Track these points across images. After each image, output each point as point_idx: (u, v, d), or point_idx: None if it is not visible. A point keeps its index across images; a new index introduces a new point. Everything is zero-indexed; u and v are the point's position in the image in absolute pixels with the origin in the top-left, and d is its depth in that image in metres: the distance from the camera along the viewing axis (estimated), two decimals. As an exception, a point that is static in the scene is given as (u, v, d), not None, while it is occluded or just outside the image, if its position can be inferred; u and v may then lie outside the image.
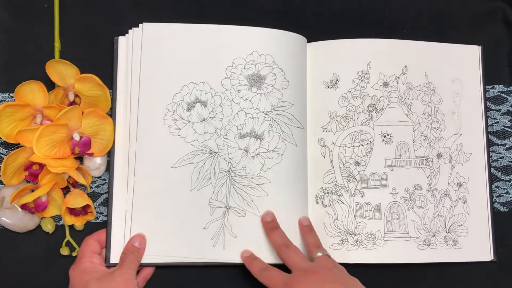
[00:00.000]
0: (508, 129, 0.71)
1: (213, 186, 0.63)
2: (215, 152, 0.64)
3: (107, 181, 0.66)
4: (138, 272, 0.61)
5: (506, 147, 0.71)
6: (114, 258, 0.61)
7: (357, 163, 0.66)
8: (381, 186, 0.66)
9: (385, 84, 0.68)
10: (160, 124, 0.64)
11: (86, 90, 0.62)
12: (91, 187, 0.66)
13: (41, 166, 0.60)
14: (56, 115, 0.60)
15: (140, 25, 0.65)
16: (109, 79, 0.65)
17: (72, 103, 0.63)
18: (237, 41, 0.65)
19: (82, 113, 0.61)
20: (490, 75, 0.71)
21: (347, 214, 0.65)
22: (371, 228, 0.65)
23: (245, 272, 0.65)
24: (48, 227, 0.64)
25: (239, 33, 0.66)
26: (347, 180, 0.66)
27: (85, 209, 0.62)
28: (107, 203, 0.64)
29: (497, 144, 0.71)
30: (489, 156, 0.69)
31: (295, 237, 0.63)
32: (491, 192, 0.68)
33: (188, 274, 0.65)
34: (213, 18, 0.67)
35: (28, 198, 0.59)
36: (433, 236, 0.66)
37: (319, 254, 0.59)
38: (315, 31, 0.70)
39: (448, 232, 0.67)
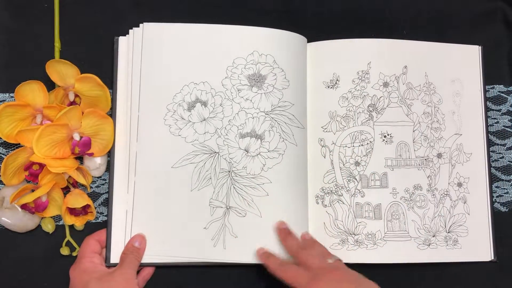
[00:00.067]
0: (508, 129, 0.71)
1: (214, 186, 0.63)
2: (215, 152, 0.64)
3: (107, 181, 0.65)
4: (138, 272, 0.61)
5: (506, 147, 0.71)
6: (114, 258, 0.61)
7: (357, 163, 0.66)
8: (381, 186, 0.66)
9: (385, 84, 0.68)
10: (161, 124, 0.64)
11: (86, 90, 0.62)
12: (91, 187, 0.65)
13: (41, 166, 0.60)
14: (56, 115, 0.60)
15: (141, 25, 0.65)
16: (109, 79, 0.65)
17: (72, 103, 0.63)
18: (237, 41, 0.65)
19: (82, 113, 0.61)
20: (490, 75, 0.71)
21: (347, 214, 0.65)
22: (371, 228, 0.65)
23: (245, 272, 0.65)
24: (48, 227, 0.63)
25: (240, 33, 0.66)
26: (347, 180, 0.66)
27: (85, 209, 0.62)
28: (107, 203, 0.64)
29: (497, 144, 0.71)
30: (489, 156, 0.69)
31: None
32: (491, 192, 0.68)
33: (188, 274, 0.65)
34: (213, 18, 0.67)
35: (28, 198, 0.59)
36: (433, 236, 0.66)
37: (330, 261, 0.59)
38: (315, 31, 0.70)
39: (448, 232, 0.67)
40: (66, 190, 0.63)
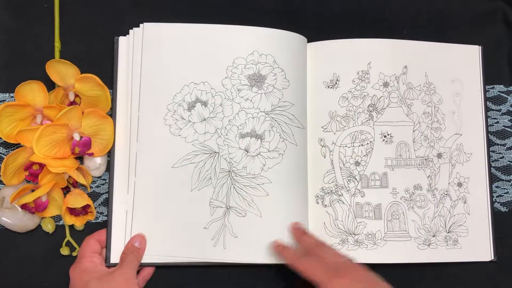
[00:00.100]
0: (508, 129, 0.71)
1: (214, 186, 0.63)
2: (215, 152, 0.64)
3: (107, 181, 0.65)
4: (138, 272, 0.61)
5: (506, 147, 0.71)
6: (114, 258, 0.61)
7: (357, 163, 0.66)
8: (382, 186, 0.66)
9: (385, 84, 0.68)
10: (161, 124, 0.64)
11: (86, 90, 0.62)
12: (91, 187, 0.65)
13: (41, 166, 0.60)
14: (56, 115, 0.60)
15: (141, 25, 0.65)
16: (109, 79, 0.65)
17: (72, 103, 0.63)
18: (237, 41, 0.65)
19: (82, 113, 0.61)
20: (490, 75, 0.71)
21: (348, 214, 0.65)
22: (371, 228, 0.65)
23: (245, 272, 0.65)
24: (48, 227, 0.63)
25: (240, 32, 0.66)
26: (347, 180, 0.66)
27: (85, 209, 0.62)
28: (107, 203, 0.64)
29: (497, 144, 0.71)
30: (489, 156, 0.69)
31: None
32: (491, 192, 0.68)
33: (188, 274, 0.65)
34: (213, 18, 0.67)
35: (28, 198, 0.59)
36: (433, 236, 0.66)
37: (347, 259, 0.59)
38: (315, 31, 0.70)
39: (448, 232, 0.67)
40: (66, 190, 0.63)
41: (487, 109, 0.71)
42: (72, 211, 0.62)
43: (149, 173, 0.63)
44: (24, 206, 0.60)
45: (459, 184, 0.68)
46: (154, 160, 0.63)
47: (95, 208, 0.65)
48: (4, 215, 0.62)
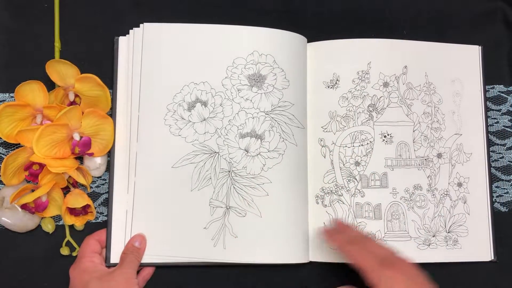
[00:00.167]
0: (508, 129, 0.71)
1: (214, 186, 0.63)
2: (215, 152, 0.64)
3: (107, 181, 0.65)
4: (138, 272, 0.61)
5: (506, 147, 0.71)
6: (114, 258, 0.61)
7: (357, 163, 0.66)
8: (381, 186, 0.66)
9: (385, 84, 0.68)
10: (161, 124, 0.64)
11: (86, 90, 0.62)
12: (91, 187, 0.65)
13: (41, 166, 0.60)
14: (56, 115, 0.60)
15: (141, 25, 0.65)
16: (109, 79, 0.65)
17: (72, 103, 0.63)
18: (237, 41, 0.65)
19: (82, 113, 0.61)
20: (490, 75, 0.71)
21: (347, 214, 0.65)
22: (371, 228, 0.65)
23: (245, 272, 0.65)
24: (48, 227, 0.63)
25: (240, 32, 0.66)
26: (347, 180, 0.66)
27: (85, 209, 0.62)
28: (107, 203, 0.64)
29: (497, 144, 0.71)
30: (489, 156, 0.69)
31: (295, 237, 0.63)
32: (491, 192, 0.68)
33: (188, 274, 0.65)
34: (213, 18, 0.67)
35: (28, 198, 0.59)
36: (433, 236, 0.66)
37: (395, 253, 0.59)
38: (315, 31, 0.70)
39: (448, 232, 0.67)
40: (66, 190, 0.63)
41: (487, 109, 0.71)
42: (72, 211, 0.62)
43: (149, 173, 0.63)
44: (24, 206, 0.60)
45: (459, 184, 0.68)
46: (154, 160, 0.63)
47: (95, 208, 0.65)
48: (4, 215, 0.62)
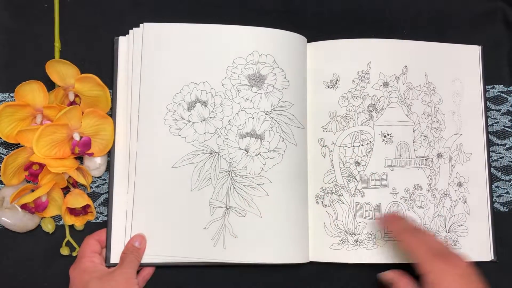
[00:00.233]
0: (508, 129, 0.71)
1: (214, 186, 0.63)
2: (215, 152, 0.64)
3: (107, 181, 0.66)
4: (138, 272, 0.61)
5: (506, 147, 0.71)
6: (114, 258, 0.61)
7: (357, 163, 0.66)
8: (381, 186, 0.66)
9: (385, 84, 0.68)
10: (161, 124, 0.64)
11: (86, 90, 0.62)
12: (91, 187, 0.65)
13: (41, 166, 0.60)
14: (56, 115, 0.60)
15: (141, 25, 0.65)
16: (109, 79, 0.65)
17: (72, 103, 0.63)
18: (237, 41, 0.65)
19: (82, 113, 0.61)
20: (490, 75, 0.71)
21: (347, 214, 0.65)
22: (371, 228, 0.65)
23: (245, 272, 0.65)
24: (48, 227, 0.63)
25: (240, 32, 0.66)
26: (347, 180, 0.66)
27: (85, 209, 0.62)
28: (107, 203, 0.64)
29: (497, 144, 0.71)
30: (489, 156, 0.69)
31: (295, 237, 0.63)
32: (491, 192, 0.68)
33: (188, 274, 0.65)
34: (213, 18, 0.67)
35: (28, 198, 0.59)
36: (433, 236, 0.66)
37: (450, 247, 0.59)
38: (315, 31, 0.70)
39: (448, 232, 0.67)
40: (66, 190, 0.63)
41: (487, 109, 0.71)
42: (72, 211, 0.62)
43: (149, 173, 0.63)
44: (24, 206, 0.60)
45: (459, 184, 0.68)
46: (154, 160, 0.63)
47: (95, 208, 0.65)
48: (4, 215, 0.62)
